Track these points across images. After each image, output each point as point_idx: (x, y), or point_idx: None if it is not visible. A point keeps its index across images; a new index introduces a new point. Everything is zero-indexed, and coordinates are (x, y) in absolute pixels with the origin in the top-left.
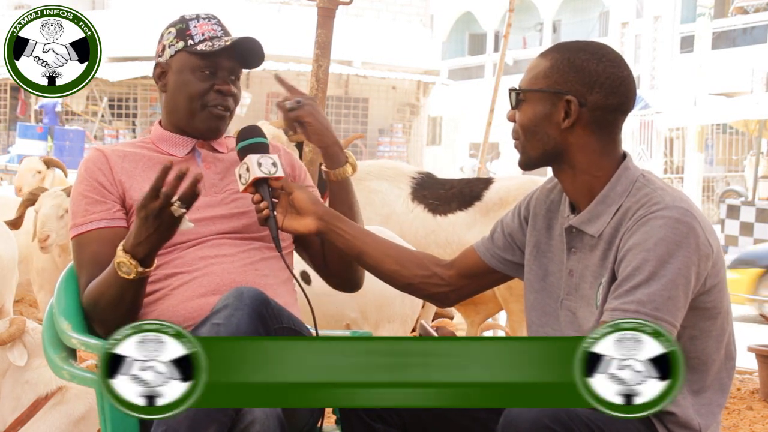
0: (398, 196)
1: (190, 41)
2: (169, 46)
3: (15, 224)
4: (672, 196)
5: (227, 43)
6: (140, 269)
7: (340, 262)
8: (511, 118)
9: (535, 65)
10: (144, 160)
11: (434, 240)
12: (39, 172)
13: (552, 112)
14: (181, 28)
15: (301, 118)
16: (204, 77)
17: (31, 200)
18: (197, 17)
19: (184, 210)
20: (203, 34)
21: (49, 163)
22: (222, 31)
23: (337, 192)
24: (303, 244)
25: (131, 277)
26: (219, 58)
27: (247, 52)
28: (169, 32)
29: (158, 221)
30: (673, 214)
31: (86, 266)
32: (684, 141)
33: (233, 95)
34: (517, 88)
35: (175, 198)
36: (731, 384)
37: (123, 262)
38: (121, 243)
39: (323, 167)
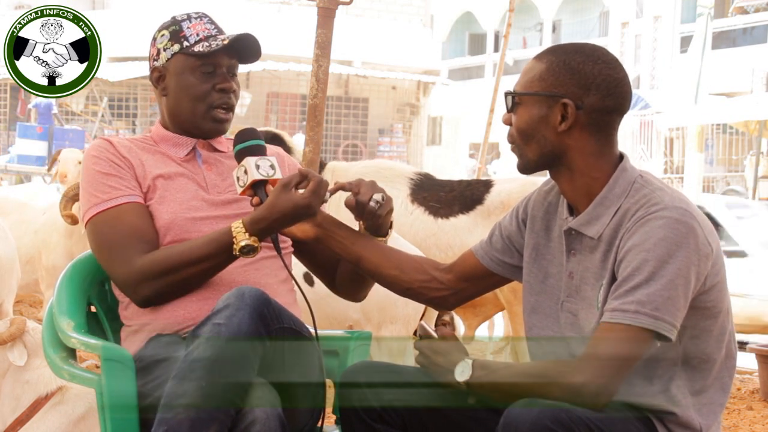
0: (395, 197)
1: (185, 43)
2: (165, 50)
3: (74, 219)
4: (671, 196)
5: (225, 42)
6: (258, 245)
7: (353, 280)
8: (507, 121)
9: (530, 68)
10: (146, 148)
11: (435, 243)
12: (80, 162)
13: (548, 115)
14: (175, 30)
15: (375, 216)
16: (204, 77)
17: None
18: (189, 17)
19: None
20: (198, 35)
21: None
22: (216, 30)
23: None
24: (312, 252)
25: (250, 254)
26: (217, 57)
27: (245, 50)
28: (162, 35)
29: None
30: (672, 214)
31: (126, 237)
32: (684, 141)
33: (234, 92)
34: (513, 91)
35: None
36: (732, 383)
37: (249, 244)
38: (239, 223)
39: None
